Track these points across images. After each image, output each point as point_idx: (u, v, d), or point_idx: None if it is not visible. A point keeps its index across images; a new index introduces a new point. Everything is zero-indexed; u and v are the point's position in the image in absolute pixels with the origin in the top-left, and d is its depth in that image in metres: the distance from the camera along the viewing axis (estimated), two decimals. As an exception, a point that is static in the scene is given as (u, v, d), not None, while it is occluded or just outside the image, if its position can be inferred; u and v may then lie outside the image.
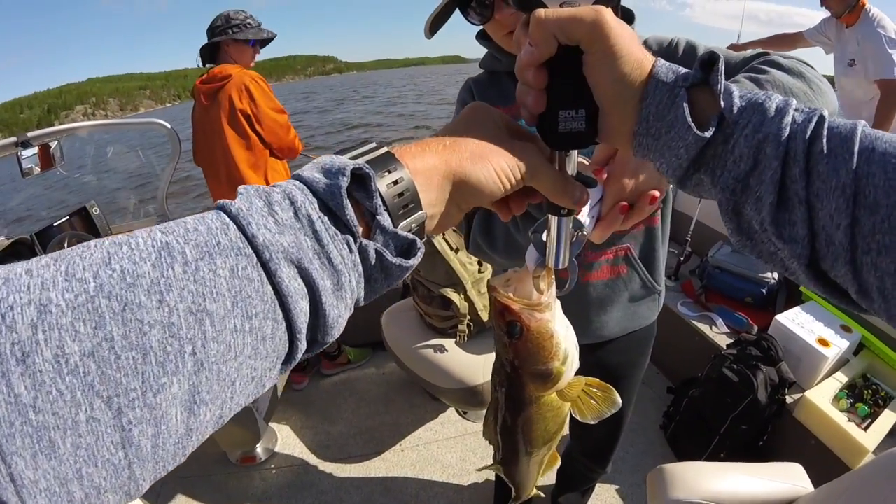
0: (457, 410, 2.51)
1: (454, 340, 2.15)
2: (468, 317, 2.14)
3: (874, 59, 2.90)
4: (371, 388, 2.73)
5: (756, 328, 2.22)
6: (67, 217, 2.47)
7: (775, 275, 2.38)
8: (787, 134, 0.37)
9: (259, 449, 2.31)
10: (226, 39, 2.34)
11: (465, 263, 2.16)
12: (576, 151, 0.48)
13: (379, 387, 2.74)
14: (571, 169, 0.49)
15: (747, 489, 1.24)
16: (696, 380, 2.16)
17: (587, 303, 1.12)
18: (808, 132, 0.37)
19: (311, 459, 2.32)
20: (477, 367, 2.04)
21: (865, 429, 1.76)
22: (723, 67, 0.40)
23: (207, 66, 2.42)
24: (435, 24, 1.00)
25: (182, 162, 2.79)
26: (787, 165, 0.37)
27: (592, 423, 0.57)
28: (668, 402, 2.30)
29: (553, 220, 0.52)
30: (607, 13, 0.40)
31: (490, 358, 2.03)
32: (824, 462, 1.75)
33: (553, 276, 0.54)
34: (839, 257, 0.36)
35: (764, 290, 2.36)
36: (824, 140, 0.36)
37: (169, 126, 2.55)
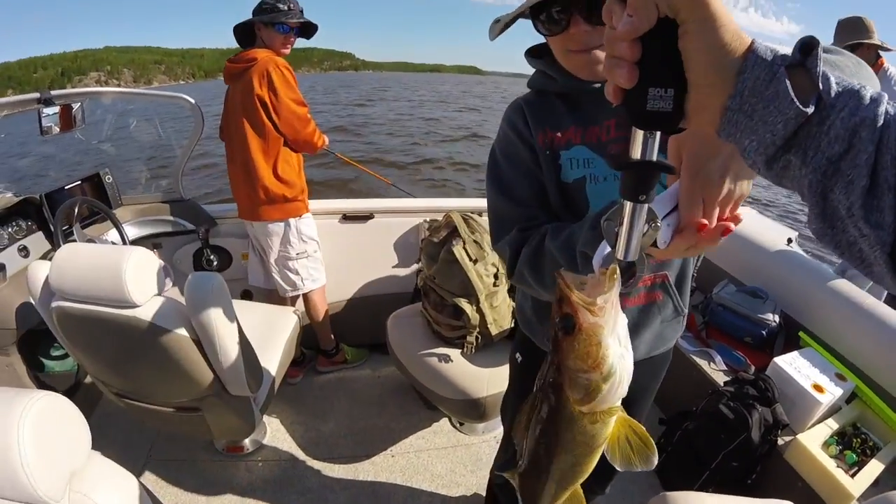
0: (451, 421, 2.51)
1: (460, 351, 2.16)
2: (477, 329, 2.15)
3: None
4: (365, 390, 2.73)
5: (753, 368, 2.25)
6: (79, 182, 2.44)
7: (776, 317, 2.41)
8: (882, 122, 0.38)
9: (247, 440, 2.30)
10: (258, 22, 2.32)
11: (481, 275, 2.17)
12: (658, 134, 0.47)
13: (373, 389, 2.74)
14: (654, 153, 0.48)
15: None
16: (691, 413, 2.17)
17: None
18: None
19: (300, 455, 2.30)
20: (481, 379, 2.04)
21: (853, 476, 1.78)
22: (821, 52, 0.41)
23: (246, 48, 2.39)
24: (504, 27, 0.98)
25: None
26: (879, 152, 0.37)
27: (619, 469, 0.55)
28: (661, 433, 2.32)
29: (627, 206, 0.50)
30: None
31: (494, 372, 2.07)
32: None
33: (617, 278, 0.51)
34: None
35: (764, 332, 2.39)
36: None
37: (193, 102, 2.53)
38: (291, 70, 2.34)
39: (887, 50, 2.88)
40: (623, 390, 0.52)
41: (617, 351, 0.51)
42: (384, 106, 28.29)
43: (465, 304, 2.13)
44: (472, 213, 2.50)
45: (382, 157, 12.46)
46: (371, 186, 7.94)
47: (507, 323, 2.24)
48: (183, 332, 1.54)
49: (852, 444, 1.94)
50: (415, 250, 2.86)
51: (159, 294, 1.55)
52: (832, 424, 2.00)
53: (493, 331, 2.17)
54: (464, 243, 2.20)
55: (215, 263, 2.66)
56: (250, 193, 2.40)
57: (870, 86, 0.41)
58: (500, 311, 2.22)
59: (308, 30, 2.49)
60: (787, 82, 0.40)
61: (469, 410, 2.03)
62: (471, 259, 2.17)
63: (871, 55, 2.90)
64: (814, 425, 2.00)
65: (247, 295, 2.82)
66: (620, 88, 0.44)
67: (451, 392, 2.03)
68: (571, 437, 0.56)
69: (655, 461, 0.54)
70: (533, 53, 1.07)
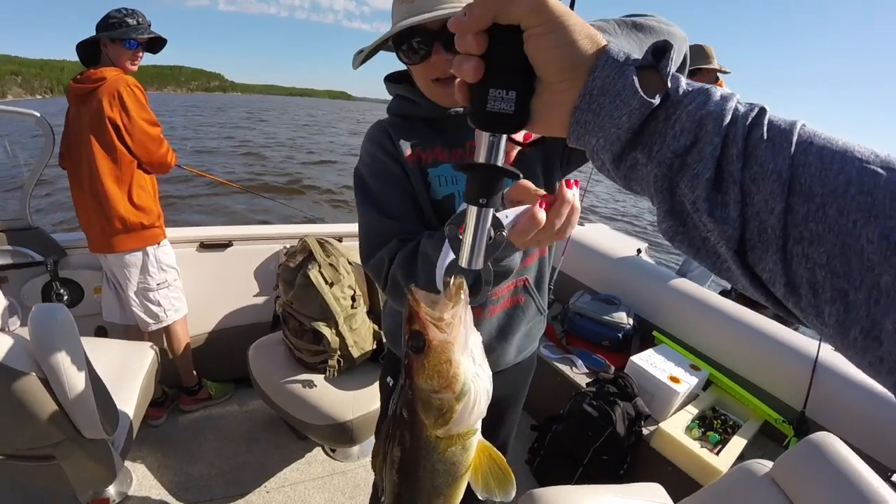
0: (324, 450, 2.42)
1: (323, 376, 2.12)
2: (339, 352, 2.13)
3: None
4: (234, 426, 2.55)
5: (613, 368, 2.41)
6: None
7: (630, 320, 2.61)
8: (729, 117, 0.38)
9: (112, 490, 2.06)
10: (103, 38, 2.14)
11: (338, 298, 2.16)
12: (504, 138, 0.47)
13: (242, 424, 2.57)
14: (499, 157, 0.47)
15: (616, 507, 1.32)
16: (559, 416, 2.28)
17: (490, 333, 1.13)
18: (750, 118, 0.38)
19: (170, 502, 2.10)
20: (346, 403, 2.01)
21: (717, 453, 1.96)
22: (674, 56, 0.41)
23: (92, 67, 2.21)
24: (365, 57, 0.99)
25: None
26: (725, 146, 0.37)
27: (480, 497, 0.54)
28: (533, 439, 2.40)
29: (472, 211, 0.49)
30: None
31: (359, 394, 2.05)
32: (682, 484, 1.91)
33: (464, 291, 0.50)
34: (770, 245, 0.36)
35: (620, 335, 2.58)
36: (765, 128, 0.37)
37: (39, 116, 2.26)
38: (143, 89, 2.20)
39: (725, 73, 3.20)
40: (480, 410, 0.51)
41: (470, 369, 0.49)
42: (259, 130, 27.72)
43: (324, 327, 2.10)
44: (330, 237, 2.48)
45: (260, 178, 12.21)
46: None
47: (369, 345, 2.24)
48: (29, 370, 1.37)
49: (714, 425, 2.15)
50: (275, 277, 2.78)
51: (3, 331, 1.38)
52: (692, 410, 2.20)
53: (355, 353, 2.16)
54: (319, 267, 2.17)
55: (66, 298, 2.40)
56: (103, 224, 2.19)
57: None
58: (360, 333, 2.21)
59: (155, 44, 2.33)
60: (635, 77, 0.40)
61: (338, 435, 1.98)
62: (327, 282, 2.15)
63: (711, 78, 3.22)
64: (675, 413, 2.19)
65: (102, 332, 2.56)
66: (467, 87, 0.45)
67: (318, 418, 1.97)
68: (431, 465, 0.53)
69: (514, 493, 0.53)
70: (392, 79, 1.09)
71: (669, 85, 0.40)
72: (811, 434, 1.24)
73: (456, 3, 0.90)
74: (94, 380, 1.52)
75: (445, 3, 0.89)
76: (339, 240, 2.63)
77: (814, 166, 0.34)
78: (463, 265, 0.51)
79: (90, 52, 2.20)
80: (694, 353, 2.44)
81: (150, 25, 2.24)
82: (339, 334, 2.13)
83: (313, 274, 2.13)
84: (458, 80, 0.45)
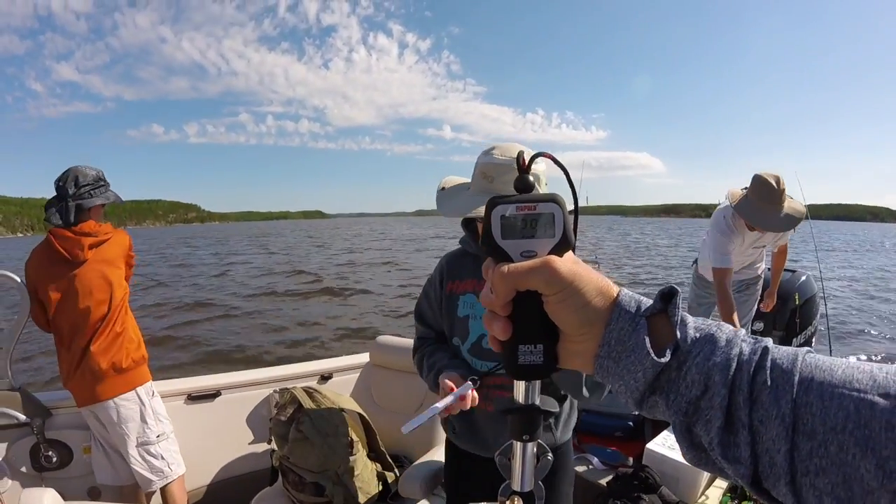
0: None
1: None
2: (345, 502, 2.05)
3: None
4: None
5: (631, 459, 2.30)
6: None
7: (638, 405, 2.53)
8: (734, 365, 0.41)
9: None
10: (97, 203, 2.30)
11: (335, 448, 2.10)
12: (539, 382, 0.52)
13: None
14: (535, 396, 0.53)
15: None
16: (587, 525, 2.13)
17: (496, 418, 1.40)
18: (753, 364, 0.41)
19: None
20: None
21: None
22: (680, 301, 0.46)
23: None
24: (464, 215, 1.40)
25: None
26: (732, 393, 0.41)
27: None
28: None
29: (517, 446, 0.55)
30: (556, 261, 0.46)
31: None
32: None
33: None
34: (780, 478, 0.38)
35: (631, 423, 2.49)
36: (767, 372, 0.40)
37: (19, 280, 2.30)
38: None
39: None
40: None
41: None
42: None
43: (325, 480, 2.03)
44: (315, 375, 2.51)
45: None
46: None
47: (374, 487, 2.15)
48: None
49: (746, 493, 2.03)
50: (267, 423, 2.72)
51: None
52: (721, 484, 2.10)
53: (361, 499, 2.07)
54: (311, 420, 2.13)
55: (55, 460, 2.34)
56: (99, 371, 2.20)
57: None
58: (363, 478, 2.13)
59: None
60: (646, 337, 0.44)
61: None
62: (321, 434, 2.11)
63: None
64: (704, 491, 2.07)
65: (95, 493, 2.44)
66: (500, 343, 0.50)
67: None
68: None
69: None
70: (466, 223, 1.52)
71: (679, 335, 0.44)
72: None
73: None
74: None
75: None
76: (329, 377, 2.62)
77: (815, 405, 0.38)
78: (515, 489, 0.56)
79: (69, 209, 2.28)
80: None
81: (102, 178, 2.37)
82: (341, 484, 2.05)
83: (306, 428, 2.10)
84: (490, 335, 0.50)
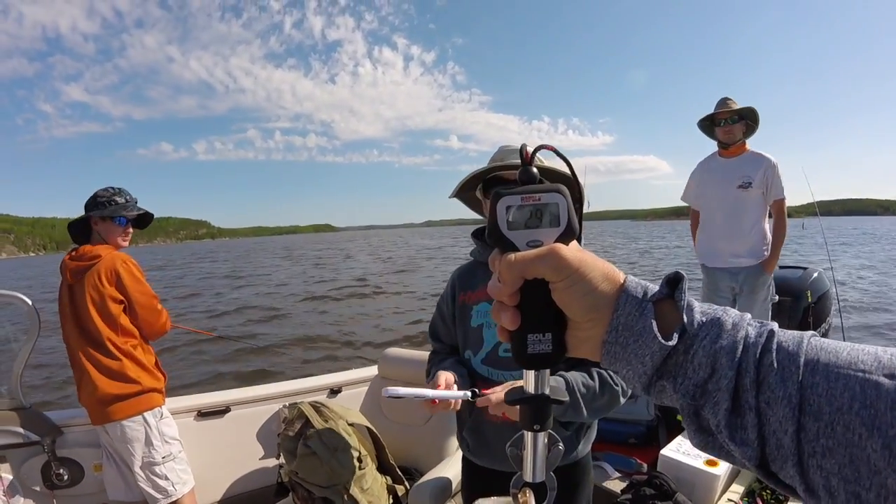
0: None
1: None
2: None
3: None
4: None
5: (645, 466, 2.26)
6: None
7: (651, 410, 2.49)
8: (741, 348, 0.41)
9: None
10: (94, 216, 2.27)
11: (343, 463, 2.09)
12: (548, 371, 0.52)
13: None
14: (545, 387, 0.52)
15: None
16: (603, 533, 2.09)
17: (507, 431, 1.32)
18: (760, 347, 0.41)
19: None
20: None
21: None
22: (686, 286, 0.46)
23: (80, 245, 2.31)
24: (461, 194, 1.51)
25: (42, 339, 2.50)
26: (739, 376, 0.41)
27: None
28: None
29: (528, 436, 0.55)
30: (563, 248, 0.46)
31: None
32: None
33: (529, 498, 0.54)
34: (787, 459, 0.39)
35: (644, 429, 2.45)
36: (773, 354, 0.40)
37: (31, 303, 2.34)
38: (136, 264, 2.32)
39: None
40: None
41: None
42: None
43: (334, 495, 2.02)
44: (324, 390, 2.50)
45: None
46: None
47: (384, 501, 2.14)
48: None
49: (764, 497, 1.99)
50: (277, 438, 2.72)
51: None
52: (737, 489, 2.05)
53: None
54: (319, 435, 2.12)
55: (66, 478, 2.36)
56: (102, 394, 2.20)
57: None
58: (372, 493, 2.12)
59: (143, 220, 2.48)
60: (653, 321, 0.44)
61: None
62: (329, 449, 2.09)
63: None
64: (720, 497, 2.03)
65: None
66: (508, 333, 0.50)
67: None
68: None
69: None
70: (476, 233, 1.55)
71: (685, 318, 0.44)
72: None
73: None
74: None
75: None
76: (338, 391, 2.60)
77: (821, 386, 0.38)
78: (527, 479, 0.56)
79: (81, 229, 2.33)
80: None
81: (136, 202, 2.39)
82: (351, 498, 2.03)
83: (313, 443, 2.09)
84: (499, 325, 0.50)
